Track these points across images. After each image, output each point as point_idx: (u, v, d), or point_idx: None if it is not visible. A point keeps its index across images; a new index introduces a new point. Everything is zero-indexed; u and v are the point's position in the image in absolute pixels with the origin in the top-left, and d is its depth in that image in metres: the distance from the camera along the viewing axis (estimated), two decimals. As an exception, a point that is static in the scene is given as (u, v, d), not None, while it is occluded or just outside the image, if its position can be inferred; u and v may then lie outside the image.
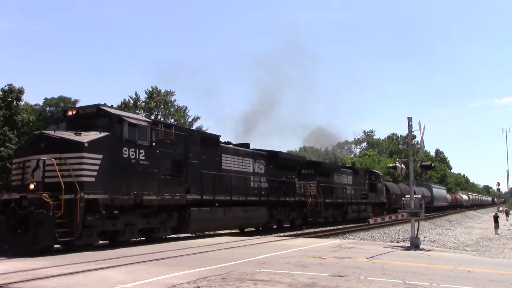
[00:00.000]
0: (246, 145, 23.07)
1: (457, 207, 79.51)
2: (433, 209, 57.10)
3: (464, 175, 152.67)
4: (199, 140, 18.16)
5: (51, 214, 11.54)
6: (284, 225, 25.17)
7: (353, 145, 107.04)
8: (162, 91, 69.90)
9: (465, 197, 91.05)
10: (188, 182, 16.80)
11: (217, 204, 18.56)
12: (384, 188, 42.26)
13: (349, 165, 72.13)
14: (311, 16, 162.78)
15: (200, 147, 17.86)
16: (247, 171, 21.46)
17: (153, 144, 14.96)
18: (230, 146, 21.15)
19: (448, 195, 73.20)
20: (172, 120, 69.41)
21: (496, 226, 32.91)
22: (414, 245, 15.65)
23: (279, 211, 24.10)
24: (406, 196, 16.97)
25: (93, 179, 12.76)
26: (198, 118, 72.45)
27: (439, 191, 67.74)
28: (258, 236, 19.72)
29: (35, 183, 12.01)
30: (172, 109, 70.28)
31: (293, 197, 25.30)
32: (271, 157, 23.83)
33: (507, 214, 51.13)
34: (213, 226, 19.70)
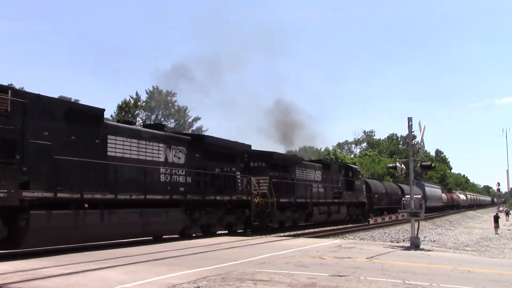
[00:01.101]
0: (159, 127, 17.97)
1: (453, 207, 76.00)
2: (426, 210, 54.47)
3: (464, 175, 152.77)
4: (63, 113, 12.72)
5: None
6: (217, 232, 19.42)
7: (353, 145, 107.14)
8: (163, 91, 69.90)
9: (462, 197, 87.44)
10: (26, 172, 11.33)
11: (87, 205, 12.89)
12: (364, 186, 36.56)
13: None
14: (311, 15, 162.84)
15: (65, 123, 12.63)
16: (155, 160, 15.97)
17: None
18: (125, 126, 15.67)
19: (443, 195, 69.24)
20: (172, 121, 69.51)
21: (496, 226, 32.92)
22: (414, 245, 15.65)
23: (205, 213, 18.16)
24: (406, 196, 16.95)
25: None
26: (198, 118, 72.49)
27: (433, 190, 64.05)
28: (258, 236, 19.70)
29: None
30: (172, 109, 70.35)
31: (230, 195, 19.47)
32: (196, 143, 18.30)
33: (507, 214, 51.06)
34: (78, 237, 12.94)
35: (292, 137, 48.32)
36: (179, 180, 16.93)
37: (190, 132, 74.32)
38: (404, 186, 49.42)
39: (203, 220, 18.21)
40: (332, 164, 33.65)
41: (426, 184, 60.17)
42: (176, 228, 16.88)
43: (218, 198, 18.66)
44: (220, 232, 19.60)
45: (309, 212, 27.23)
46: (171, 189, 16.34)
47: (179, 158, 17.27)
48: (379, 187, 43.11)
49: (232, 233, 20.04)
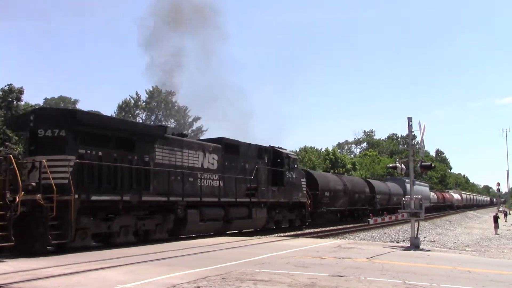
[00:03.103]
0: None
1: (446, 208, 66.02)
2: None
3: (464, 175, 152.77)
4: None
5: None
6: None
7: (353, 145, 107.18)
8: (163, 91, 69.90)
9: (456, 196, 77.86)
10: None
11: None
12: (303, 180, 25.90)
13: (349, 166, 71.58)
14: (311, 15, 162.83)
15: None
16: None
17: None
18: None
19: (432, 194, 59.01)
20: (172, 120, 69.50)
21: (496, 226, 32.94)
22: (414, 245, 15.65)
23: None
24: (406, 196, 16.95)
25: None
26: (198, 118, 72.46)
27: (418, 188, 54.49)
28: (258, 236, 19.72)
29: None
30: (172, 110, 70.34)
31: None
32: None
33: (505, 215, 50.89)
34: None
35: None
36: None
37: (190, 132, 74.44)
38: (375, 182, 41.28)
39: None
40: (243, 145, 21.10)
41: (407, 180, 51.38)
42: None
43: None
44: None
45: (179, 219, 16.57)
46: None
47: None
48: (333, 182, 32.15)
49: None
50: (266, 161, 22.62)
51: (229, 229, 20.03)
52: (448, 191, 79.50)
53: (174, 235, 16.72)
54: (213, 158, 18.88)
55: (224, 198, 18.95)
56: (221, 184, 19.01)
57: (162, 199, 15.85)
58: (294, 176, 24.55)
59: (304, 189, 25.73)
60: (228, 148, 19.94)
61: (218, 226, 18.98)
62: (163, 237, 15.99)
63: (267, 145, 23.78)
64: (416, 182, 55.00)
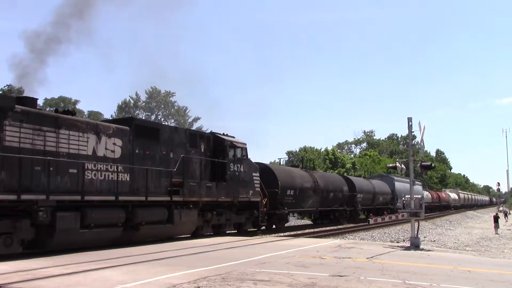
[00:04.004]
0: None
1: (442, 208, 61.74)
2: (395, 212, 32.83)
3: (464, 175, 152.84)
4: None
5: None
6: None
7: (353, 145, 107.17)
8: (162, 91, 69.93)
9: (453, 196, 73.65)
10: None
11: None
12: (256, 174, 20.89)
13: (349, 166, 71.45)
14: (311, 15, 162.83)
15: None
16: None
17: None
18: None
19: (426, 193, 54.61)
20: (172, 120, 69.50)
21: (496, 226, 32.94)
22: (414, 245, 15.65)
23: None
24: (406, 196, 16.95)
25: None
26: (198, 118, 72.47)
27: (407, 186, 40.07)
28: (258, 236, 19.71)
29: None
30: (172, 110, 70.39)
31: None
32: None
33: (505, 215, 50.87)
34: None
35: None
36: None
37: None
38: (356, 179, 36.51)
39: None
40: (165, 129, 17.01)
41: (396, 178, 44.40)
42: None
43: None
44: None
45: (45, 225, 11.97)
46: None
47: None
48: (299, 178, 26.46)
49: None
50: (202, 150, 18.05)
51: (135, 237, 14.60)
52: (444, 190, 76.36)
53: (38, 248, 12.13)
54: (115, 144, 14.34)
55: (127, 196, 14.18)
56: (127, 177, 14.44)
57: (10, 197, 11.14)
58: (242, 170, 19.72)
59: (257, 185, 20.83)
60: (141, 132, 15.43)
61: (116, 234, 13.89)
62: (13, 251, 11.15)
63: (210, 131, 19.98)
64: (407, 180, 46.92)
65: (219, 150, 18.83)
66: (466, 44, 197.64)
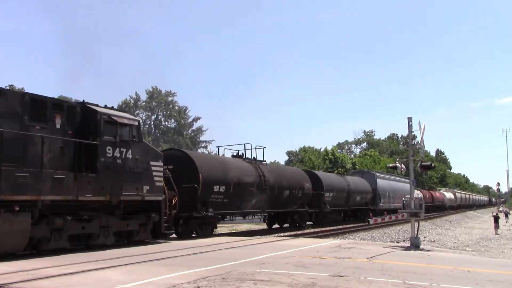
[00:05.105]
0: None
1: (435, 209, 56.88)
2: (379, 213, 33.33)
3: (464, 175, 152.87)
4: None
5: None
6: None
7: (353, 145, 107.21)
8: (163, 91, 69.87)
9: (449, 195, 69.08)
10: None
11: None
12: (157, 164, 15.05)
13: (349, 166, 71.31)
14: (311, 15, 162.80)
15: None
16: None
17: None
18: None
19: (417, 192, 43.76)
20: (173, 120, 69.53)
21: (496, 226, 32.95)
22: (414, 245, 15.65)
23: None
24: (406, 196, 16.96)
25: None
26: (198, 118, 72.48)
27: (393, 184, 42.19)
28: (258, 236, 19.74)
29: None
30: (172, 110, 70.35)
31: None
32: None
33: (506, 215, 50.79)
34: None
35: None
36: None
37: (190, 132, 74.39)
38: (324, 175, 31.46)
39: None
40: None
41: (379, 174, 40.35)
42: None
43: None
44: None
45: None
46: None
47: None
48: (236, 171, 20.51)
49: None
50: (58, 126, 12.37)
51: None
52: (439, 190, 71.45)
53: None
54: None
55: None
56: None
57: None
58: (129, 156, 13.88)
59: (158, 179, 15.05)
60: None
61: None
62: None
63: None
64: (397, 178, 44.34)
65: (91, 128, 13.11)
66: (466, 44, 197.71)
